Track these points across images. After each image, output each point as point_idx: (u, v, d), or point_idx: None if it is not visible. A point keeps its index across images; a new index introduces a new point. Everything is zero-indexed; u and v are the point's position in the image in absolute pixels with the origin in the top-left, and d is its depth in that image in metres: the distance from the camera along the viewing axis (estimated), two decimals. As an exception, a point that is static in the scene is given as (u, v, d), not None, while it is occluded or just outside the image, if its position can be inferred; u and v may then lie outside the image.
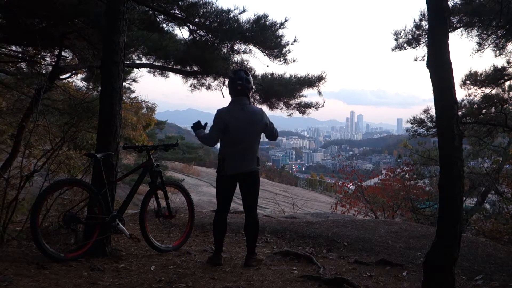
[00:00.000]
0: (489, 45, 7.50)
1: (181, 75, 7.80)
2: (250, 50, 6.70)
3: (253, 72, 7.33)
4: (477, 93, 8.41)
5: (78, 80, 10.84)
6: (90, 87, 8.08)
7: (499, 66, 8.07)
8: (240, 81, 3.74)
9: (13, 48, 7.34)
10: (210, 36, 6.54)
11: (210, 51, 6.68)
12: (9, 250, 3.64)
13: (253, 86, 3.90)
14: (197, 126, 3.93)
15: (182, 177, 22.23)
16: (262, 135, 3.87)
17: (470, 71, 8.34)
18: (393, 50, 7.90)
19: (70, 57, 7.72)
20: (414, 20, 7.44)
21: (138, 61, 7.61)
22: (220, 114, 3.73)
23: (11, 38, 6.48)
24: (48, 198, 3.82)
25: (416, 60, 7.71)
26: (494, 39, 7.41)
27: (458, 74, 11.75)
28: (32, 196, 4.46)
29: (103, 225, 3.76)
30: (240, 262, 3.77)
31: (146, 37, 6.52)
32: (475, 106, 8.52)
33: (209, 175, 24.91)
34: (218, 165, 3.76)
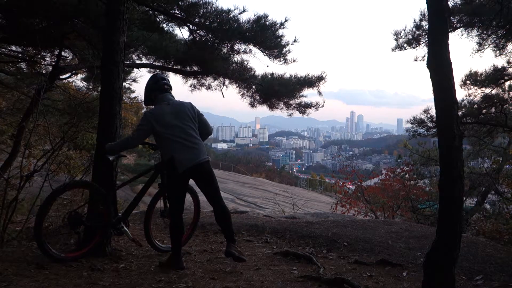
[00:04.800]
0: (489, 45, 7.51)
1: (181, 75, 7.80)
2: (250, 50, 6.71)
3: (253, 72, 7.34)
4: (477, 93, 8.43)
5: (78, 80, 10.84)
6: (90, 87, 8.09)
7: (499, 66, 8.08)
8: (164, 80, 3.81)
9: (13, 48, 7.34)
10: (210, 36, 6.54)
11: (210, 51, 6.67)
12: (9, 250, 3.64)
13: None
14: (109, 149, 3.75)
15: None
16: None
17: (470, 71, 8.36)
18: (393, 50, 7.91)
19: (70, 57, 7.73)
20: (414, 20, 7.47)
21: (138, 61, 7.61)
22: (148, 115, 3.65)
23: (11, 38, 6.48)
24: (57, 199, 3.80)
25: (416, 60, 7.73)
26: (494, 39, 7.41)
27: (458, 74, 11.78)
28: (32, 196, 4.47)
29: (108, 227, 3.74)
30: (240, 263, 3.76)
31: (146, 37, 6.52)
32: (475, 106, 8.53)
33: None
34: (167, 166, 3.60)
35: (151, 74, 4.18)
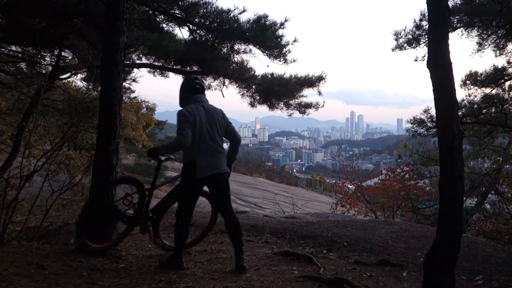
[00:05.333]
0: (489, 45, 7.49)
1: (181, 75, 7.79)
2: (250, 50, 6.70)
3: (253, 72, 7.34)
4: (477, 93, 8.41)
5: (78, 80, 10.84)
6: (90, 87, 8.09)
7: (499, 66, 8.07)
8: (197, 80, 3.74)
9: (13, 48, 7.34)
10: (210, 36, 6.53)
11: (210, 51, 6.67)
12: (9, 250, 3.63)
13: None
14: (154, 150, 3.71)
15: (182, 177, 22.18)
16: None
17: (470, 71, 8.34)
18: (393, 50, 7.89)
19: (70, 57, 7.73)
20: (414, 20, 7.45)
21: (138, 61, 7.61)
22: (187, 111, 3.51)
23: (11, 38, 6.48)
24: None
25: (416, 60, 7.71)
26: (494, 39, 7.40)
27: (458, 74, 11.76)
28: (32, 196, 4.46)
29: (136, 223, 3.80)
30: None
31: (146, 37, 6.52)
32: (475, 106, 8.52)
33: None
34: (187, 170, 3.54)
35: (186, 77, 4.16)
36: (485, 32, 7.28)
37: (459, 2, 7.07)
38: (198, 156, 3.49)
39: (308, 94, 7.81)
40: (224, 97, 7.48)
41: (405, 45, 7.68)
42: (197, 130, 3.49)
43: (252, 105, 7.73)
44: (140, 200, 3.80)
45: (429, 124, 8.77)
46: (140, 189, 3.81)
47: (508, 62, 7.90)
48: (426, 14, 4.12)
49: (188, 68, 7.63)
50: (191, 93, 3.68)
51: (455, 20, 7.18)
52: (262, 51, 6.66)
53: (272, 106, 7.69)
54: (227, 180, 3.67)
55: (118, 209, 3.76)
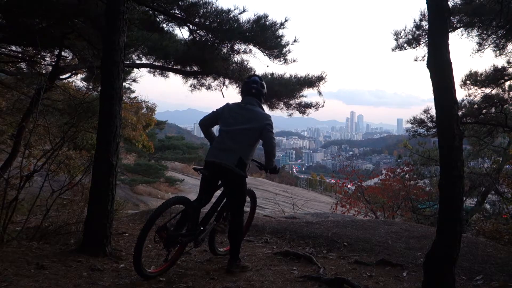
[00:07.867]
0: (489, 45, 7.50)
1: (181, 75, 7.80)
2: (250, 50, 6.71)
3: (253, 72, 7.34)
4: (477, 93, 8.42)
5: (78, 80, 10.86)
6: (90, 87, 8.09)
7: (499, 66, 8.07)
8: (254, 84, 3.71)
9: (13, 48, 7.34)
10: (210, 36, 6.54)
11: (210, 51, 6.67)
12: (9, 250, 3.63)
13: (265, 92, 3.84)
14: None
15: (182, 177, 22.22)
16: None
17: (470, 71, 8.35)
18: (393, 50, 7.90)
19: (70, 57, 7.73)
20: (414, 20, 7.45)
21: (138, 61, 7.62)
22: (224, 106, 3.71)
23: (11, 38, 6.48)
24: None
25: (416, 60, 7.72)
26: (494, 39, 7.41)
27: (458, 74, 11.78)
28: (32, 196, 4.46)
29: (190, 240, 3.54)
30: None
31: (146, 37, 6.53)
32: (475, 106, 8.53)
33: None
34: (246, 167, 3.56)
35: (250, 75, 4.11)
36: (485, 32, 7.28)
37: (459, 2, 7.07)
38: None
39: (308, 94, 7.82)
40: (224, 97, 7.50)
41: (405, 45, 7.69)
42: (223, 125, 3.61)
43: (252, 105, 7.72)
44: (192, 217, 3.52)
45: (429, 124, 8.77)
46: (189, 206, 3.51)
47: (508, 62, 7.90)
48: (426, 14, 4.12)
49: (188, 68, 7.64)
50: (244, 94, 3.73)
51: (455, 20, 7.18)
52: (262, 51, 6.67)
53: (272, 106, 7.70)
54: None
55: (171, 231, 3.35)
